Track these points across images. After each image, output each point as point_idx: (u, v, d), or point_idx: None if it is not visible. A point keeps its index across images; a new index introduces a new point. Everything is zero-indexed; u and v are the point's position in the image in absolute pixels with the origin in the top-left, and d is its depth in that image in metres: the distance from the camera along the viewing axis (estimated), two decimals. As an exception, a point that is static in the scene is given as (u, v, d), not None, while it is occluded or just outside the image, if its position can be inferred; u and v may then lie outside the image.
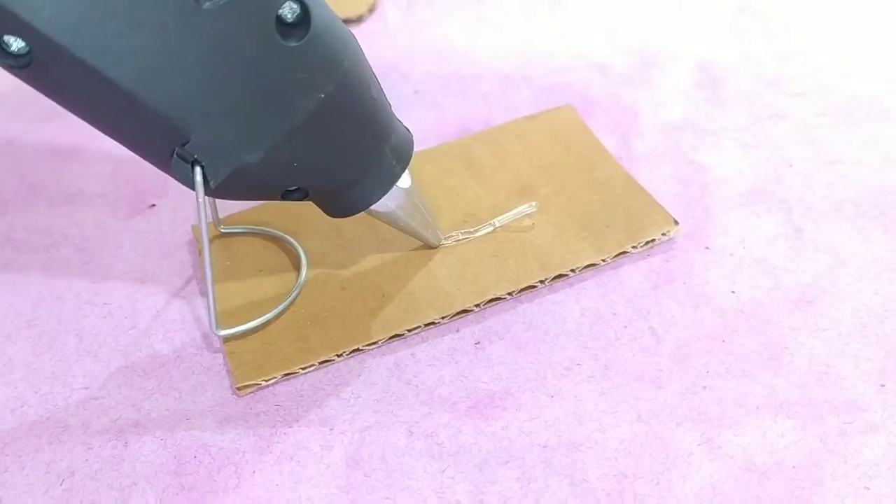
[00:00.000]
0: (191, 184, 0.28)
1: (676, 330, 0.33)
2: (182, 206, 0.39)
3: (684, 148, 0.40)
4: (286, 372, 0.32)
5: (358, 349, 0.32)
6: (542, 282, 0.34)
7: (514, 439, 0.30)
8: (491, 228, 0.36)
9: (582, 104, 0.43)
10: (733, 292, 0.34)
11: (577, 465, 0.29)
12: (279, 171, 0.29)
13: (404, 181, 0.32)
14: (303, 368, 0.32)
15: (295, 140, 0.28)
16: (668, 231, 0.35)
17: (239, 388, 0.31)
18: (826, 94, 0.42)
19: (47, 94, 0.26)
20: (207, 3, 0.24)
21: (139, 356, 0.33)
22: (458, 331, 0.33)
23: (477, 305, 0.33)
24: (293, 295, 0.34)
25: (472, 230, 0.36)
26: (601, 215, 0.36)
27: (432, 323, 0.33)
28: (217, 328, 0.31)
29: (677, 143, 0.40)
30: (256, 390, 0.31)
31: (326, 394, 0.32)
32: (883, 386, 0.30)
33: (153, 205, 0.39)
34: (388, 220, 0.33)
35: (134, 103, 0.25)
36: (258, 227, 0.37)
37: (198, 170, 0.27)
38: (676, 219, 0.35)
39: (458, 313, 0.33)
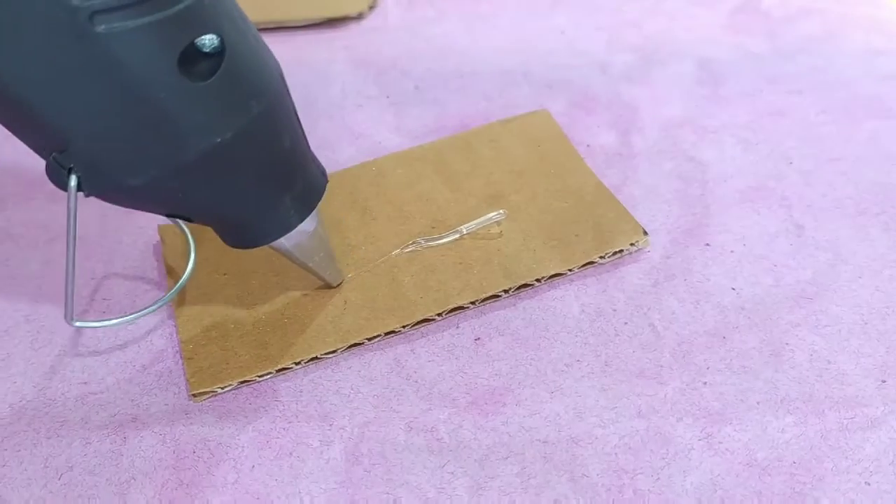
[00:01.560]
0: (64, 187, 0.27)
1: (677, 326, 0.32)
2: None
3: (685, 145, 0.40)
4: (243, 379, 0.31)
5: (316, 357, 0.32)
6: (505, 291, 0.33)
7: (514, 435, 0.29)
8: (458, 235, 0.35)
9: (582, 101, 0.43)
10: (734, 289, 0.34)
11: (577, 460, 0.29)
12: (162, 198, 0.28)
13: (307, 224, 0.31)
14: (259, 376, 0.31)
15: (182, 176, 0.26)
16: (637, 241, 0.35)
17: (194, 395, 0.31)
18: (827, 92, 0.42)
19: None
20: (102, 27, 0.23)
21: (138, 351, 0.33)
22: (457, 326, 0.33)
23: (468, 305, 0.33)
24: (176, 288, 0.33)
25: (438, 237, 0.35)
26: (571, 224, 0.35)
27: (428, 320, 0.33)
28: (72, 319, 0.31)
29: (677, 140, 0.40)
30: (218, 394, 0.31)
31: (326, 389, 0.31)
32: (884, 382, 0.30)
33: (153, 200, 0.39)
34: (284, 255, 0.32)
35: (14, 100, 0.24)
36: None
37: (73, 177, 0.26)
38: (675, 217, 0.35)
39: (454, 309, 0.33)
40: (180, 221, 0.35)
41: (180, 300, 0.34)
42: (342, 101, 0.44)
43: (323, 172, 0.31)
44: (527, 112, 0.41)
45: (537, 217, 0.36)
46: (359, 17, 0.50)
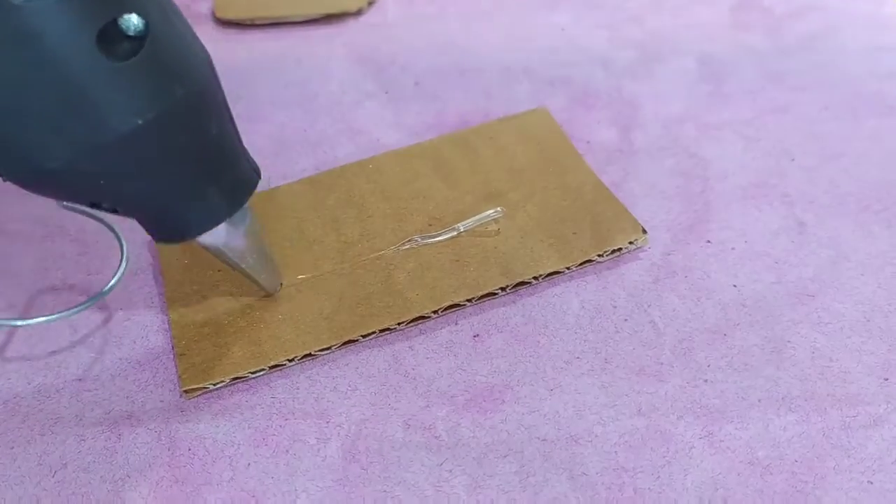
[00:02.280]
0: None
1: (678, 323, 0.32)
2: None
3: (686, 141, 0.40)
4: (235, 376, 0.31)
5: (311, 354, 0.32)
6: (502, 289, 0.33)
7: (512, 433, 0.29)
8: (455, 233, 0.35)
9: (583, 97, 0.43)
10: (735, 286, 0.33)
11: (577, 458, 0.28)
12: (82, 185, 0.26)
13: (237, 221, 0.30)
14: (252, 373, 0.31)
15: (101, 159, 0.25)
16: (636, 240, 0.34)
17: (185, 392, 0.31)
18: (829, 89, 0.42)
19: None
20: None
21: (134, 347, 0.33)
22: (456, 323, 0.33)
23: (465, 303, 0.33)
24: (106, 288, 0.32)
25: (435, 234, 0.35)
26: (569, 222, 0.35)
27: (425, 317, 0.32)
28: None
29: (679, 137, 0.40)
30: (210, 391, 0.31)
31: (323, 386, 0.31)
32: (886, 380, 0.30)
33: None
34: (216, 255, 0.31)
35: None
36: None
37: None
38: (663, 222, 0.35)
39: (452, 306, 0.33)
40: (107, 221, 0.34)
41: (173, 296, 0.34)
42: (341, 98, 0.44)
43: (256, 169, 0.30)
44: (526, 110, 0.41)
45: (535, 215, 0.36)
46: (358, 13, 0.49)
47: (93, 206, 0.28)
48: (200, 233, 0.29)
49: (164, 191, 0.28)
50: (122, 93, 0.24)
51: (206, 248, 0.30)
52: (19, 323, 0.32)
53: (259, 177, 0.30)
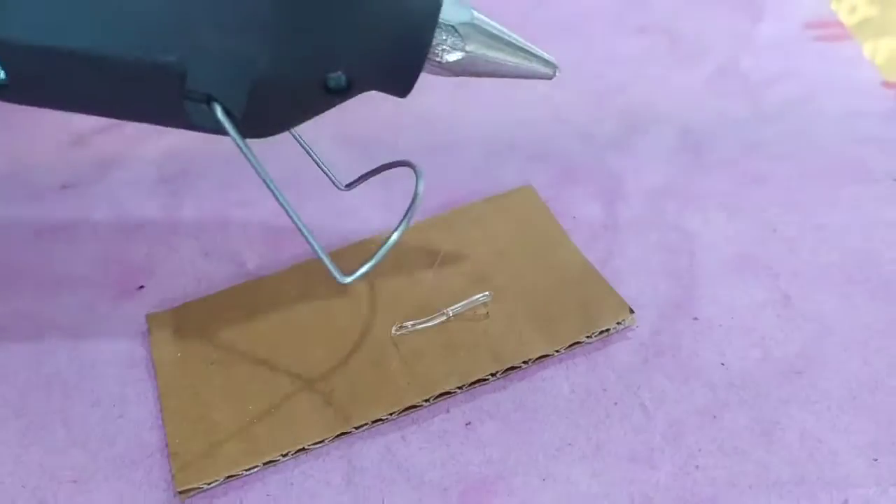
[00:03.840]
0: (219, 127, 0.25)
1: (667, 406, 0.32)
2: (171, 287, 0.39)
3: (669, 215, 0.40)
4: (230, 474, 0.31)
5: (303, 448, 0.32)
6: (493, 374, 0.33)
7: (506, 526, 0.29)
8: (444, 318, 0.35)
9: (567, 171, 0.43)
10: (723, 364, 0.34)
11: (571, 552, 0.28)
12: (299, 64, 0.25)
13: (459, 12, 0.27)
14: (246, 470, 0.31)
15: (292, 15, 0.24)
16: (624, 320, 0.35)
17: (180, 493, 0.31)
18: (808, 157, 0.43)
19: (36, 104, 0.25)
20: None
21: (127, 445, 0.33)
22: (448, 411, 0.33)
23: (456, 390, 0.33)
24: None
25: (425, 320, 0.35)
26: (556, 303, 0.36)
27: (417, 406, 0.33)
28: (341, 276, 0.28)
29: (662, 210, 0.41)
30: (204, 490, 0.31)
31: (316, 480, 0.31)
32: (876, 460, 0.30)
33: (141, 286, 0.39)
34: (473, 68, 0.28)
35: (111, 64, 0.23)
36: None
37: (216, 106, 0.24)
38: (664, 293, 0.36)
39: (443, 393, 0.33)
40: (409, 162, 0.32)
41: (166, 391, 0.34)
42: (328, 180, 0.44)
43: None
44: (511, 189, 0.42)
45: (523, 297, 0.36)
46: (344, 89, 0.50)
47: (330, 100, 0.26)
48: (430, 39, 0.26)
49: (373, 11, 0.25)
50: None
51: (458, 66, 0.27)
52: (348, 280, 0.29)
53: None
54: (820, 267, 0.37)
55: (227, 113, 0.24)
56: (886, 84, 0.47)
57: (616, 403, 0.33)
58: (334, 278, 0.28)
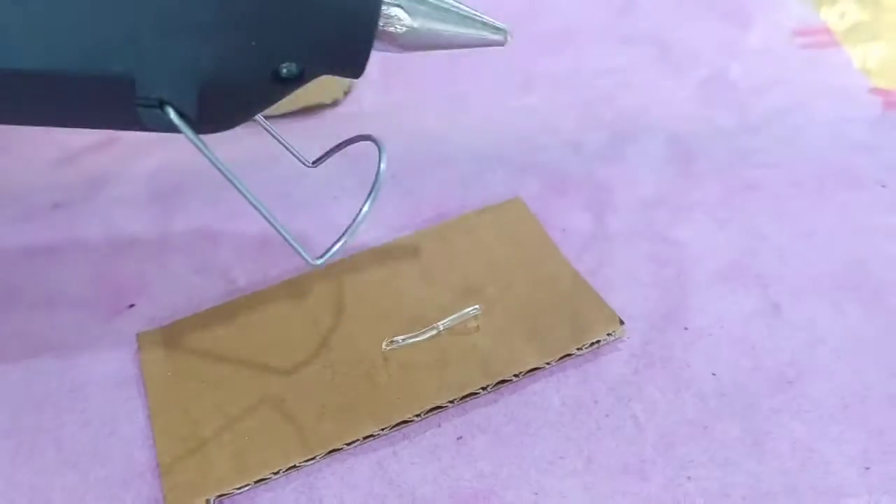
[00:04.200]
0: (173, 128, 0.25)
1: (658, 417, 0.32)
2: (161, 305, 0.39)
3: (659, 225, 0.40)
4: (220, 493, 0.31)
5: (294, 466, 0.32)
6: (484, 388, 0.33)
7: (498, 541, 0.29)
8: (435, 332, 0.35)
9: (556, 183, 0.43)
10: (714, 374, 0.34)
11: (563, 566, 0.28)
12: (245, 58, 0.25)
13: None
14: (238, 489, 0.31)
15: (231, 9, 0.24)
16: (614, 331, 0.35)
17: None
18: (797, 164, 0.43)
19: None
20: None
21: (118, 465, 0.33)
22: (439, 426, 0.33)
23: (447, 404, 0.33)
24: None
25: (415, 334, 0.35)
26: (547, 315, 0.36)
27: (408, 421, 0.33)
28: (311, 258, 0.28)
29: (652, 220, 0.41)
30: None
31: (308, 498, 0.31)
32: (867, 469, 0.30)
33: (132, 305, 0.39)
34: (422, 40, 0.27)
35: (59, 80, 0.23)
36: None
37: (168, 109, 0.24)
38: (655, 302, 0.36)
39: (434, 408, 0.33)
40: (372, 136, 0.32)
41: (157, 410, 0.34)
42: (318, 193, 0.44)
43: None
44: (501, 201, 0.42)
45: (513, 310, 0.36)
46: (334, 104, 0.50)
47: (282, 90, 0.26)
48: (377, 15, 0.26)
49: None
50: None
51: (407, 41, 0.27)
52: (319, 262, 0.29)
53: None
54: (810, 275, 0.37)
55: (181, 114, 0.24)
56: (874, 90, 0.47)
57: (607, 415, 0.33)
58: (305, 260, 0.28)
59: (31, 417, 0.35)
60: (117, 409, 0.35)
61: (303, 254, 0.28)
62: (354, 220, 0.29)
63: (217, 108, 0.25)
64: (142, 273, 0.41)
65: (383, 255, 0.39)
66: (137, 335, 0.37)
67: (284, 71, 0.26)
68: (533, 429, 0.33)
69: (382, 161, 0.30)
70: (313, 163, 0.30)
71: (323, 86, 0.51)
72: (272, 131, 0.28)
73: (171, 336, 0.37)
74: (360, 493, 0.31)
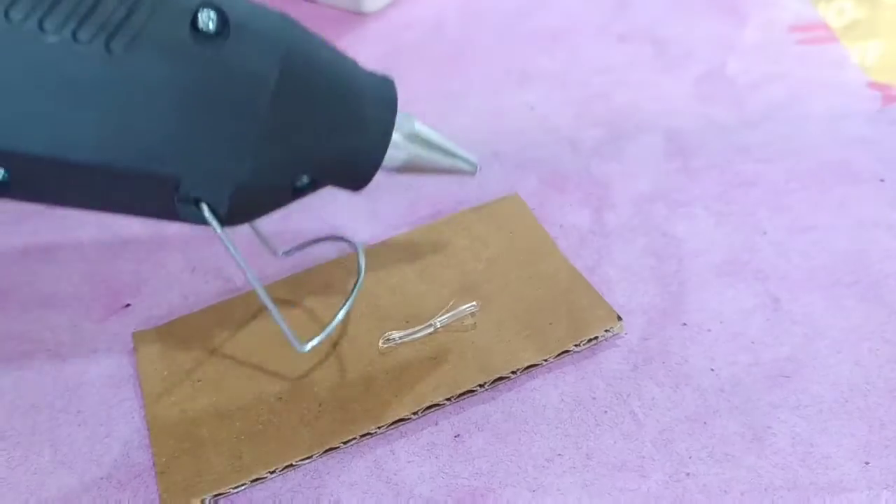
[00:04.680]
0: (205, 223, 0.28)
1: (657, 413, 0.32)
2: (156, 304, 0.39)
3: (657, 220, 0.40)
4: (217, 493, 0.31)
5: (291, 465, 0.31)
6: (481, 385, 0.33)
7: (496, 539, 0.29)
8: (431, 329, 0.35)
9: (554, 179, 0.43)
10: (712, 370, 0.34)
11: (562, 564, 0.28)
12: (274, 172, 0.29)
13: (406, 127, 0.32)
14: (234, 488, 0.31)
15: (270, 137, 0.28)
16: (612, 327, 0.34)
17: None
18: (795, 159, 0.43)
19: (34, 202, 0.27)
20: (118, 50, 0.25)
21: (114, 466, 0.33)
22: (437, 423, 0.33)
23: (444, 402, 0.33)
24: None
25: (411, 331, 0.35)
26: (544, 312, 0.35)
27: (405, 419, 0.32)
28: (300, 344, 0.32)
29: (650, 216, 0.41)
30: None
31: (305, 497, 0.31)
32: (867, 463, 0.30)
33: (127, 304, 0.39)
34: (412, 170, 0.33)
35: (110, 173, 0.26)
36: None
37: (204, 206, 0.28)
38: (650, 298, 0.35)
39: (432, 406, 0.33)
40: (345, 237, 0.38)
41: (153, 410, 0.34)
42: (315, 193, 0.44)
43: (383, 76, 0.32)
44: (498, 197, 0.41)
45: (510, 306, 0.36)
46: (330, 102, 0.50)
47: (296, 196, 0.31)
48: (384, 152, 0.31)
49: (333, 131, 0.30)
50: (241, 73, 0.27)
51: (401, 169, 0.33)
52: (308, 347, 0.32)
53: (391, 79, 0.32)
54: (808, 269, 0.37)
55: (213, 211, 0.28)
56: (872, 85, 0.47)
57: (606, 412, 0.32)
58: (293, 347, 0.32)
59: (26, 418, 0.35)
60: (113, 408, 0.35)
61: (292, 341, 0.31)
62: (338, 312, 0.34)
63: (242, 209, 0.29)
64: (137, 272, 0.40)
65: (382, 252, 0.39)
66: (133, 335, 0.37)
67: (299, 183, 0.30)
68: (531, 426, 0.32)
69: (361, 258, 0.35)
70: (284, 254, 0.33)
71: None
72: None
73: (166, 335, 0.36)
74: (358, 492, 0.31)
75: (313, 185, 0.31)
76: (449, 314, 0.35)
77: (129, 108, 0.25)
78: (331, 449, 0.32)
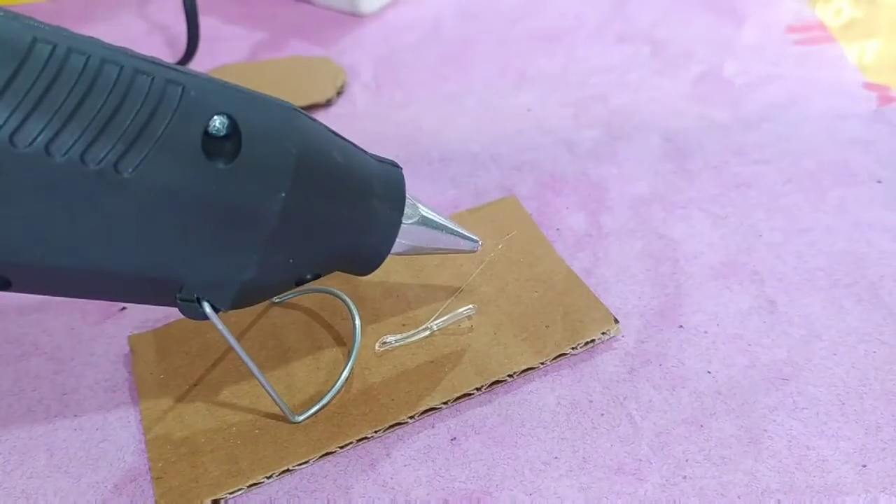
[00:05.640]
0: (205, 317, 0.28)
1: (654, 416, 0.32)
2: (152, 307, 0.38)
3: (654, 222, 0.40)
4: (214, 498, 0.31)
5: (288, 469, 0.31)
6: (478, 388, 0.33)
7: (493, 543, 0.29)
8: (428, 332, 0.35)
9: (551, 181, 0.43)
10: (709, 372, 0.34)
11: (559, 568, 0.28)
12: (279, 274, 0.29)
13: (412, 215, 0.32)
14: (231, 493, 0.31)
15: (278, 242, 0.27)
16: (609, 330, 0.34)
17: None
18: (792, 160, 0.43)
19: (39, 294, 0.27)
20: (127, 172, 0.24)
21: (110, 470, 0.33)
22: (433, 426, 0.33)
23: (441, 406, 0.33)
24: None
25: (408, 335, 0.35)
26: (541, 315, 0.35)
27: (400, 423, 0.32)
28: (292, 415, 0.32)
29: (647, 218, 0.40)
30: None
31: (302, 502, 0.31)
32: (864, 467, 0.30)
33: (123, 307, 0.39)
34: (415, 253, 0.33)
35: (114, 277, 0.26)
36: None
37: (205, 304, 0.28)
38: (650, 300, 0.35)
39: (428, 409, 0.33)
40: (338, 292, 0.37)
41: (149, 414, 0.34)
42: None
43: (391, 162, 0.32)
44: (495, 199, 0.41)
45: (507, 309, 0.36)
46: (327, 104, 0.50)
47: (298, 285, 0.31)
48: (390, 247, 0.32)
49: (342, 233, 0.30)
50: (254, 184, 0.26)
51: (405, 255, 0.33)
52: (301, 418, 0.33)
53: (399, 167, 0.33)
54: (806, 271, 0.37)
55: (214, 308, 0.28)
56: (868, 85, 0.47)
57: (602, 415, 0.32)
58: (287, 418, 0.32)
59: (22, 422, 0.35)
60: (109, 413, 0.35)
61: (286, 412, 0.32)
62: (336, 382, 0.33)
63: (245, 302, 0.29)
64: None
65: None
66: (129, 338, 0.37)
67: (307, 281, 0.31)
68: (527, 429, 0.32)
69: (356, 318, 0.35)
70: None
71: (316, 85, 0.50)
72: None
73: (162, 339, 0.36)
74: (354, 496, 0.31)
75: (316, 278, 0.31)
76: (445, 317, 0.35)
77: (136, 224, 0.25)
78: (328, 453, 0.32)
